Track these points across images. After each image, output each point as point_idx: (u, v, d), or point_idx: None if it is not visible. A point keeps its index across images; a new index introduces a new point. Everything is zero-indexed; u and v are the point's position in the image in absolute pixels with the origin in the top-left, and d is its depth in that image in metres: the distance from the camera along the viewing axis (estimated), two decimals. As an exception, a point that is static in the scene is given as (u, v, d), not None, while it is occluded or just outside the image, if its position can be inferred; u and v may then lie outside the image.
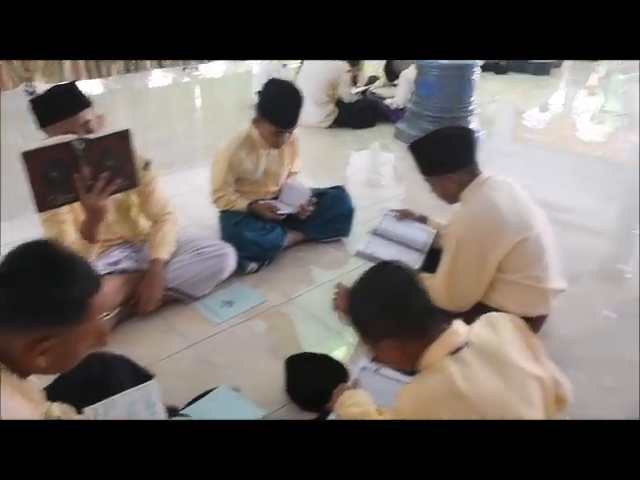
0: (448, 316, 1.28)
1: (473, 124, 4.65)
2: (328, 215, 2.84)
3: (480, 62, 4.51)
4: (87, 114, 2.01)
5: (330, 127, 5.02)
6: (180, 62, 8.02)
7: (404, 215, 2.41)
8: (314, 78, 4.84)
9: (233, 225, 2.64)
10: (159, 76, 8.02)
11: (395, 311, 1.19)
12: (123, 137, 1.85)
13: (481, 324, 1.31)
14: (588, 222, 3.37)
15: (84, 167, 1.77)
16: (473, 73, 4.44)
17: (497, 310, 1.90)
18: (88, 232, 1.97)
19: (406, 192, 3.81)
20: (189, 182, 3.79)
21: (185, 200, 3.40)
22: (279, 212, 2.71)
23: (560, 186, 4.00)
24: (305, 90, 4.88)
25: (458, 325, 1.23)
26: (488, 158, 4.45)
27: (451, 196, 1.99)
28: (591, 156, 4.90)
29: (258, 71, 5.82)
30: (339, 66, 4.88)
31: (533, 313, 1.96)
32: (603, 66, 10.06)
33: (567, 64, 9.68)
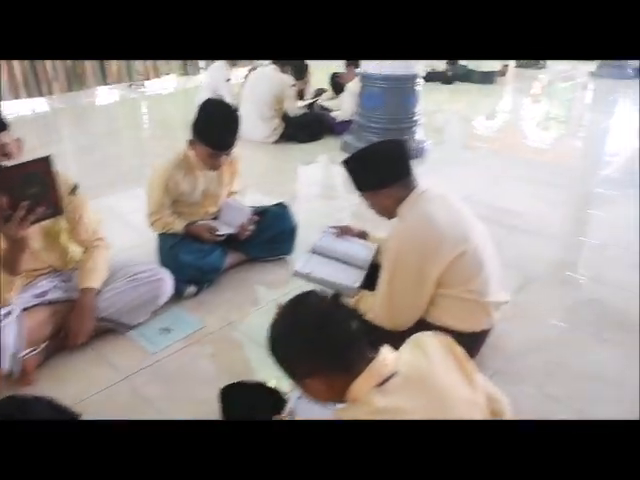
0: (379, 341, 1.22)
1: (419, 134, 4.67)
2: (269, 234, 2.77)
3: (422, 73, 4.53)
4: (3, 137, 1.90)
5: (277, 142, 4.98)
6: (126, 78, 7.88)
7: (344, 231, 2.36)
8: (259, 93, 4.80)
9: (170, 248, 2.54)
10: (105, 93, 7.84)
11: (315, 350, 1.12)
12: (44, 163, 1.75)
13: (410, 348, 1.26)
14: (536, 227, 3.42)
15: (2, 196, 1.67)
16: (416, 84, 4.46)
17: (439, 327, 1.89)
18: (9, 264, 1.86)
19: (354, 205, 3.77)
20: (134, 201, 3.67)
21: (130, 220, 3.29)
22: (218, 233, 2.62)
23: (509, 191, 4.08)
24: (250, 105, 4.89)
25: (385, 354, 1.17)
26: (438, 166, 4.54)
27: (388, 211, 1.95)
28: (538, 161, 5.01)
29: (202, 86, 5.71)
30: (284, 80, 4.85)
31: (475, 328, 1.93)
32: (545, 75, 10.36)
33: (511, 73, 9.92)
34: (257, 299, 2.59)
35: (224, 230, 2.67)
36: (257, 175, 4.41)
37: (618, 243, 3.20)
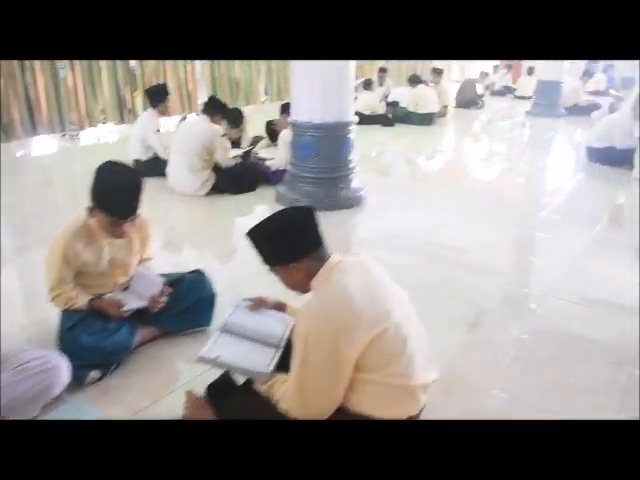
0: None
1: (355, 182, 4.55)
2: (185, 304, 2.52)
3: (356, 119, 4.43)
4: None
5: (209, 194, 4.74)
6: (58, 128, 7.57)
7: (258, 304, 2.13)
8: (187, 144, 4.59)
9: (68, 329, 2.27)
10: (40, 144, 7.49)
11: None
12: None
13: None
14: (483, 266, 3.45)
15: None
16: (350, 132, 4.35)
17: (360, 416, 1.69)
18: None
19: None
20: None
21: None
22: (124, 308, 2.37)
23: (457, 229, 4.09)
24: (179, 157, 4.68)
25: None
26: (380, 211, 4.44)
27: (301, 286, 1.76)
28: (484, 197, 5.07)
29: (132, 136, 5.48)
30: (214, 130, 4.66)
31: (401, 415, 1.72)
32: (485, 114, 10.58)
33: (451, 113, 10.07)
34: (172, 380, 2.32)
35: (133, 303, 2.42)
36: (187, 231, 4.18)
37: (560, 287, 3.18)
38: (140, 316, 2.46)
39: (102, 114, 8.05)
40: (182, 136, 4.69)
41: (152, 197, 4.87)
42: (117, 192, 2.17)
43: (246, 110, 9.93)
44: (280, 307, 2.15)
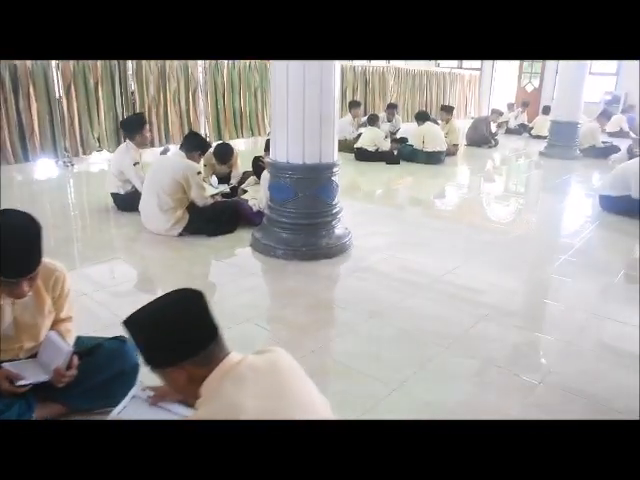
0: None
1: (339, 229, 4.16)
2: (101, 377, 2.14)
3: (339, 161, 4.06)
4: None
5: (182, 235, 4.37)
6: (51, 155, 7.34)
7: (161, 395, 1.73)
8: (159, 181, 4.25)
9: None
10: (36, 169, 7.27)
11: None
12: None
13: None
14: (494, 311, 3.29)
15: None
16: (333, 174, 3.98)
17: None
18: None
19: (270, 328, 3.13)
20: None
21: None
22: (20, 383, 1.99)
23: (465, 273, 3.89)
24: (149, 194, 4.33)
25: None
26: (372, 257, 4.04)
27: (189, 393, 1.37)
28: (500, 237, 4.84)
29: (109, 169, 5.18)
30: (189, 167, 4.30)
31: None
32: (497, 153, 10.20)
33: (462, 152, 9.71)
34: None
35: (33, 377, 2.03)
36: (152, 277, 3.83)
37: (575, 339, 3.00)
38: (45, 390, 2.08)
39: (97, 142, 7.83)
40: (154, 172, 4.36)
41: (125, 235, 4.56)
42: (4, 247, 1.81)
43: (249, 142, 9.76)
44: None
